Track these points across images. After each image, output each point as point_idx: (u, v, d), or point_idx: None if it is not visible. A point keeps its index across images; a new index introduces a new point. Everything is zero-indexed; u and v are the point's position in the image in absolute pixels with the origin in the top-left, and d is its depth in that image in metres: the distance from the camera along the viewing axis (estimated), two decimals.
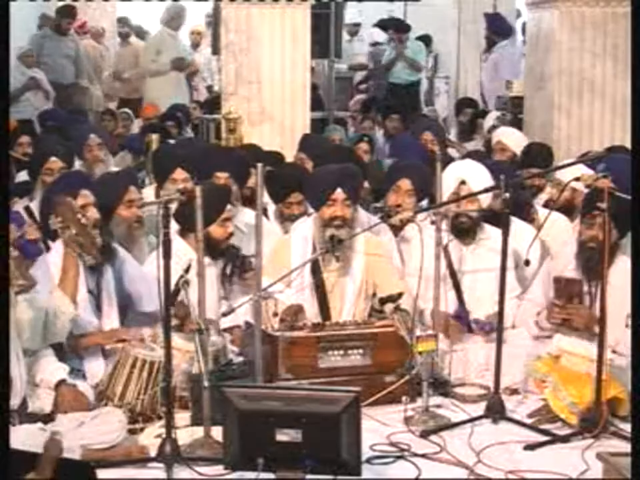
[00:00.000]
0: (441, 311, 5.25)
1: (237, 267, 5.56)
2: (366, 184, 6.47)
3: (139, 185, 6.15)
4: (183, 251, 5.21)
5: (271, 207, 6.43)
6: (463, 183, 5.64)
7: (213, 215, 5.28)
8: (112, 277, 5.13)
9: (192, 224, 4.90)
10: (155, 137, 7.93)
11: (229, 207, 5.49)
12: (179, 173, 6.30)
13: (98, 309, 5.06)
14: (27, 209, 6.20)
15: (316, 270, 5.45)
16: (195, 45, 13.72)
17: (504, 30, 11.33)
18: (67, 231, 4.81)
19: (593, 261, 5.13)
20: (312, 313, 5.43)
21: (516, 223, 5.86)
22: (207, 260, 5.15)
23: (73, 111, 10.38)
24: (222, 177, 6.11)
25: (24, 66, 11.14)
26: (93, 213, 5.11)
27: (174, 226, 5.31)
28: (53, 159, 6.50)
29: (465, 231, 5.65)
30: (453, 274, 5.61)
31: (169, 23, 11.85)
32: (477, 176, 5.67)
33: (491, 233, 5.61)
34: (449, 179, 5.63)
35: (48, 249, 5.69)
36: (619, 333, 5.02)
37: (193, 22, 14.26)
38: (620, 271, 4.99)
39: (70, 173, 6.21)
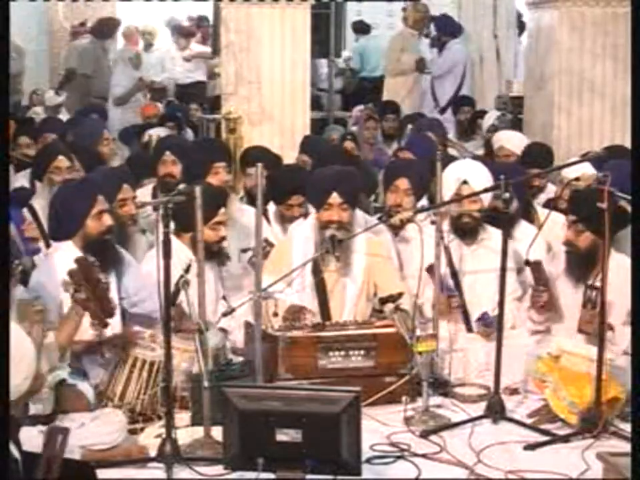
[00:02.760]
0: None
1: None
2: None
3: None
4: (179, 250, 5.20)
5: (272, 209, 6.43)
6: (464, 182, 5.64)
7: (206, 218, 5.29)
8: (115, 282, 5.14)
9: (187, 224, 4.93)
10: (154, 136, 7.91)
11: (222, 210, 5.49)
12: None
13: None
14: (30, 207, 6.20)
15: (317, 270, 5.45)
16: (148, 46, 13.55)
17: (454, 29, 11.34)
18: (77, 293, 4.41)
19: (575, 262, 5.26)
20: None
21: (522, 225, 5.88)
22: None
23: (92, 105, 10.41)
24: (220, 166, 6.21)
25: (131, 67, 11.18)
26: (107, 219, 5.11)
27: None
28: (61, 157, 6.49)
29: (467, 231, 5.65)
30: (454, 274, 5.61)
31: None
32: (478, 176, 5.68)
33: (492, 234, 5.61)
34: (449, 179, 5.64)
35: (48, 246, 5.72)
36: (618, 330, 5.03)
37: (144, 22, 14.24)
38: (611, 267, 4.97)
39: (114, 168, 6.36)
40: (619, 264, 5.01)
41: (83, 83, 11.60)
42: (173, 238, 5.18)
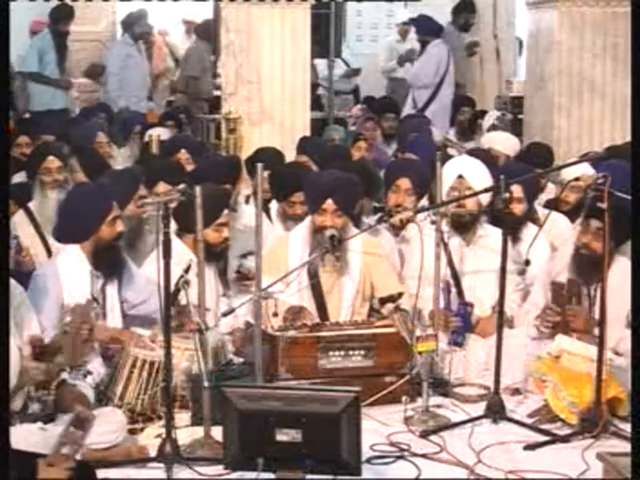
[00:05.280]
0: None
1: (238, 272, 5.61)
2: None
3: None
4: (180, 251, 5.20)
5: (274, 206, 6.43)
6: (460, 177, 5.66)
7: (209, 219, 5.28)
8: (116, 284, 5.15)
9: (189, 224, 4.93)
10: (155, 136, 7.90)
11: (225, 211, 5.49)
12: None
13: (102, 314, 5.08)
14: (27, 209, 6.19)
15: (313, 271, 5.44)
16: None
17: (435, 29, 11.24)
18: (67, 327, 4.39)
19: (586, 265, 5.18)
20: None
21: (529, 227, 5.85)
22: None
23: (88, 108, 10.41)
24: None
25: None
26: (119, 225, 5.12)
27: (172, 225, 5.34)
28: (51, 158, 6.47)
29: (463, 225, 5.65)
30: (455, 274, 5.60)
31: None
32: (474, 171, 5.73)
33: (490, 232, 5.61)
34: (447, 175, 5.64)
35: (48, 250, 5.72)
36: (617, 333, 5.03)
37: None
38: (617, 272, 4.99)
39: (127, 169, 6.47)
40: (620, 266, 5.00)
41: (191, 85, 11.63)
42: (174, 238, 5.22)
